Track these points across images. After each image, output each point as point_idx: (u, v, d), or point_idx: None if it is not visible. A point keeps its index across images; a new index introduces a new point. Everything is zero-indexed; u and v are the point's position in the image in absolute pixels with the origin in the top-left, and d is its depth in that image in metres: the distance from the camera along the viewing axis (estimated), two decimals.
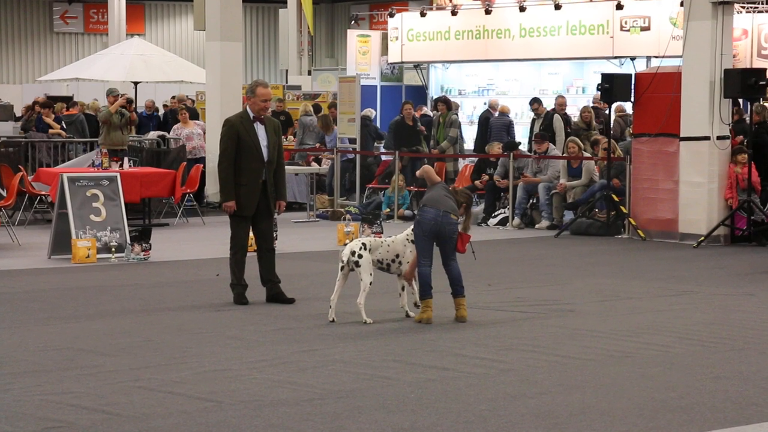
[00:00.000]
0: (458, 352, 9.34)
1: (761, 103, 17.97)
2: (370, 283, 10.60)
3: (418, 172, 12.00)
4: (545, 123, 21.66)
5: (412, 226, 10.83)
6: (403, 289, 10.89)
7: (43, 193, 18.62)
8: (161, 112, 28.90)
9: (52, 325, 10.56)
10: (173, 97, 29.27)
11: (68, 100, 28.57)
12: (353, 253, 10.62)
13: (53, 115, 25.03)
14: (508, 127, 23.93)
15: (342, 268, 10.69)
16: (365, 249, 10.62)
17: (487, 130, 23.74)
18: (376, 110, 26.80)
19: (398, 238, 10.85)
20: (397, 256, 10.76)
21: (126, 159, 19.07)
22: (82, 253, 14.76)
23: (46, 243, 15.39)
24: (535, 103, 22.47)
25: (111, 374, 8.50)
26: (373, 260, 10.66)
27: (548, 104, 23.38)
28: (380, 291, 11.49)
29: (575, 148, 19.34)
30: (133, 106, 21.41)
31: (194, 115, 25.37)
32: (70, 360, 9.00)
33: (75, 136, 24.41)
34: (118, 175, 15.90)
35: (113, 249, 15.05)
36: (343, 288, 10.73)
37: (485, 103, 25.32)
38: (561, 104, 22.08)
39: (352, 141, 22.52)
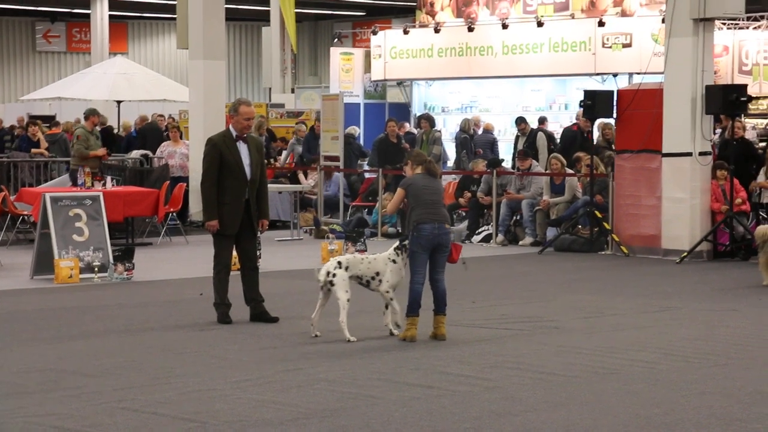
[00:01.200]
0: (443, 370, 9.33)
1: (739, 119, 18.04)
2: (348, 300, 10.63)
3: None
4: (529, 140, 21.72)
5: (395, 246, 10.85)
6: (386, 307, 10.88)
7: (25, 213, 18.54)
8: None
9: (34, 346, 10.51)
10: (160, 116, 29.28)
11: (50, 119, 28.55)
12: (328, 273, 10.68)
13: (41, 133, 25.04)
14: (492, 144, 23.99)
15: (322, 287, 10.73)
16: (340, 267, 10.66)
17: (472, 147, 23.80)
18: (359, 128, 26.86)
19: (380, 256, 10.87)
20: (378, 273, 10.77)
21: (109, 178, 19.03)
22: (65, 273, 14.70)
23: (29, 263, 15.33)
24: (522, 123, 22.51)
25: (95, 395, 8.46)
26: (352, 276, 10.70)
27: (531, 119, 23.45)
28: (365, 309, 11.48)
29: (558, 164, 19.38)
30: (109, 155, 21.48)
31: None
32: (53, 381, 8.96)
33: (58, 155, 24.37)
34: (101, 194, 15.86)
35: (96, 269, 14.99)
36: (324, 307, 10.78)
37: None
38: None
39: (334, 158, 22.47)
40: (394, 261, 10.78)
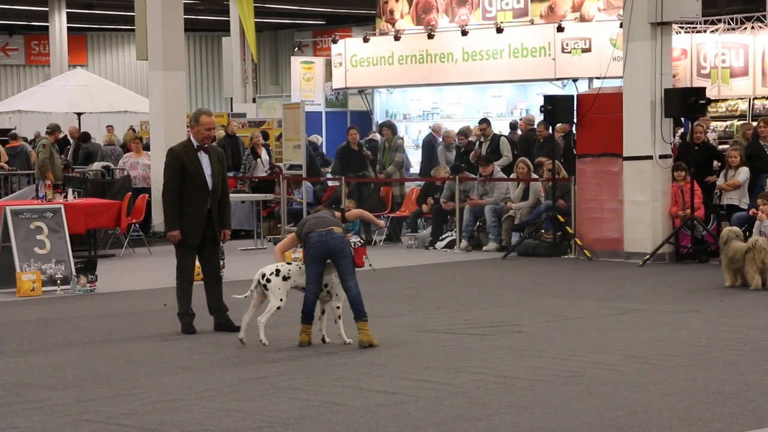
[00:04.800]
0: (407, 376, 9.34)
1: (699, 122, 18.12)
2: (278, 308, 10.67)
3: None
4: (492, 146, 21.74)
5: None
6: (323, 313, 10.88)
7: None
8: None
9: None
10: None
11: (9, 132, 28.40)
12: (263, 276, 10.72)
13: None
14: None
15: (255, 288, 10.79)
16: (277, 275, 10.68)
17: (434, 154, 23.78)
18: (321, 136, 26.84)
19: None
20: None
21: (70, 190, 18.95)
22: (27, 287, 14.62)
23: None
24: (484, 123, 22.50)
25: (57, 408, 8.42)
26: (296, 287, 10.73)
27: (494, 125, 23.47)
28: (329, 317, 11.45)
29: (524, 168, 19.40)
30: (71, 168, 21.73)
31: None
32: (15, 395, 8.90)
33: (19, 168, 24.24)
34: (62, 206, 15.78)
35: (59, 281, 14.92)
36: (257, 308, 10.84)
37: (430, 127, 25.40)
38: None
39: (297, 167, 22.42)
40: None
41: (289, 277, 10.72)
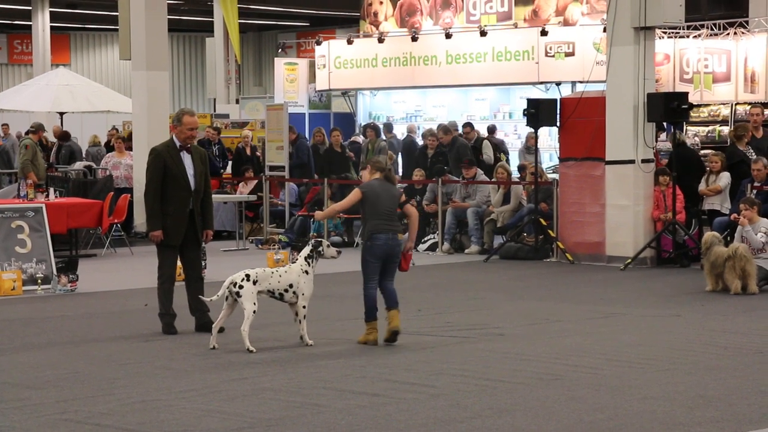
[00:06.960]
0: (388, 378, 9.34)
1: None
2: (254, 312, 10.61)
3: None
4: (474, 149, 21.76)
5: (305, 255, 10.83)
6: (296, 315, 10.86)
7: None
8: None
9: None
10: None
11: None
12: (234, 284, 10.67)
13: None
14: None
15: (227, 298, 10.74)
16: (248, 280, 10.64)
17: (415, 156, 23.76)
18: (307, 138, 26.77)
19: (293, 268, 10.86)
20: (291, 285, 10.77)
21: (52, 190, 18.90)
22: (8, 286, 14.56)
23: None
24: (467, 127, 22.54)
25: (37, 407, 8.38)
26: (262, 290, 10.69)
27: (477, 128, 23.48)
28: (317, 318, 11.43)
29: (504, 174, 19.45)
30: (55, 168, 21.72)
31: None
32: None
33: (0, 167, 24.18)
34: (44, 206, 15.74)
35: (39, 281, 14.88)
36: (227, 317, 10.81)
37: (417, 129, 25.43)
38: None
39: (279, 168, 22.39)
40: (306, 272, 10.80)
41: (257, 281, 10.70)
